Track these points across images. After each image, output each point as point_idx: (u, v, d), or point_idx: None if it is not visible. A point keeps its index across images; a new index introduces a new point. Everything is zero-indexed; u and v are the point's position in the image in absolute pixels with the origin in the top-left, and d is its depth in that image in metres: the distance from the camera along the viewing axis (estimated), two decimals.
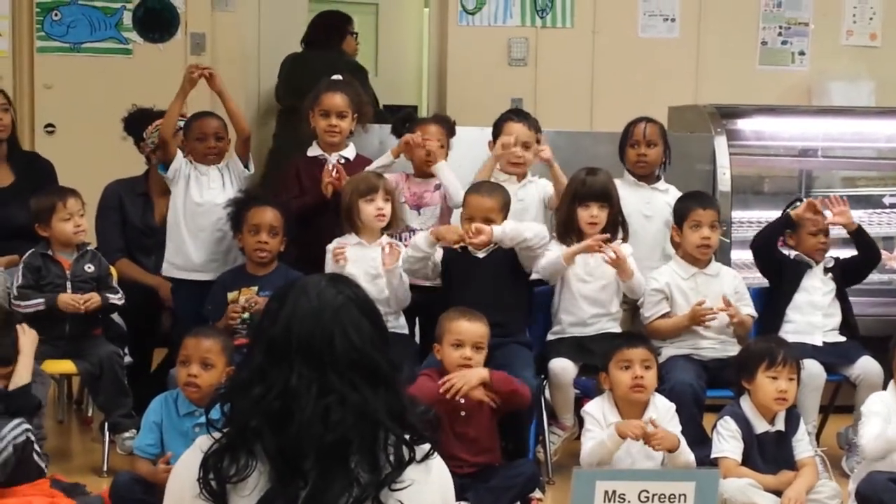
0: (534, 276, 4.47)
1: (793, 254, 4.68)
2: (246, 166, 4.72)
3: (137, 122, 4.96)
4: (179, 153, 4.64)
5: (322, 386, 1.96)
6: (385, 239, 4.37)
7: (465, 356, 3.86)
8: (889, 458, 3.83)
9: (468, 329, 3.89)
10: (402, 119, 4.80)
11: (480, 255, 4.33)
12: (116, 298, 4.43)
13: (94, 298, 4.34)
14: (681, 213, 4.53)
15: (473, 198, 4.32)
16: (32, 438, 3.67)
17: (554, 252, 4.39)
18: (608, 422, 3.87)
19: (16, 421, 3.65)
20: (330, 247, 4.37)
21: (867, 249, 4.69)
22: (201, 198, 4.60)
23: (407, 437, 2.01)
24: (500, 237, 4.22)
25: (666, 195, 4.76)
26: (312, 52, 6.64)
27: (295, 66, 6.59)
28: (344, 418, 1.95)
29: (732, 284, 4.54)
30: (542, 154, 4.59)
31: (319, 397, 1.95)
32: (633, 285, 4.42)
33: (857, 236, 4.67)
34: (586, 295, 4.45)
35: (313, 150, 4.72)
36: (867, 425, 3.85)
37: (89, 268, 4.45)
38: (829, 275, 4.66)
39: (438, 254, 4.36)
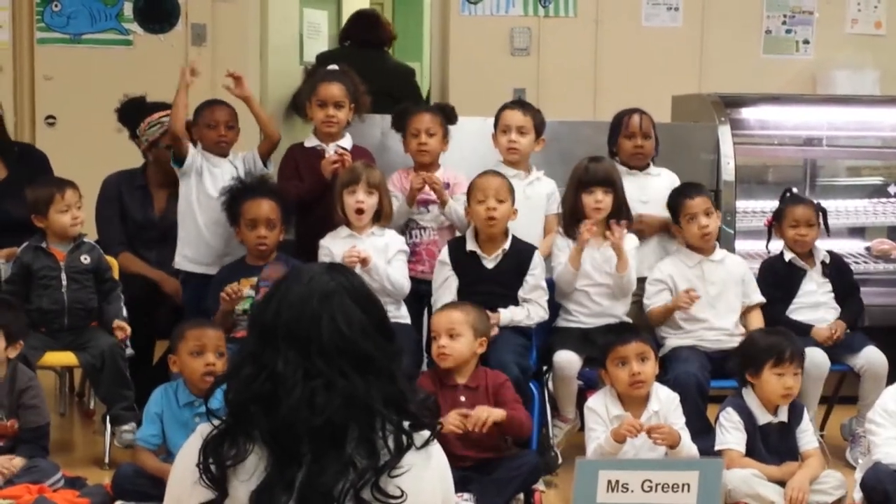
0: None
1: (788, 256, 4.64)
2: (265, 164, 4.68)
3: (130, 114, 4.94)
4: (192, 148, 4.58)
5: (308, 370, 1.97)
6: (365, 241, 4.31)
7: (439, 345, 3.84)
8: None
9: (437, 320, 3.90)
10: (400, 113, 4.77)
11: (489, 265, 4.31)
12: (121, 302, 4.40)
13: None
14: (674, 209, 4.53)
15: (483, 179, 4.31)
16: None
17: (560, 262, 4.39)
18: (612, 415, 3.86)
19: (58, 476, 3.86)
20: (322, 242, 4.35)
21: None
22: (216, 191, 4.53)
23: (406, 423, 2.00)
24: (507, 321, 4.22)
25: (659, 178, 4.76)
26: (355, 49, 6.61)
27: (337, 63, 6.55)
28: (330, 403, 1.95)
29: (739, 271, 4.52)
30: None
31: (305, 381, 1.95)
32: (623, 282, 4.38)
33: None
34: (598, 283, 4.42)
35: (310, 141, 4.68)
36: (880, 437, 3.79)
37: (85, 259, 4.42)
38: (826, 279, 4.63)
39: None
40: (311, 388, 1.95)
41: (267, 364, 1.97)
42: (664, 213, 4.64)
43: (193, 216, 4.59)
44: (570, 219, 4.47)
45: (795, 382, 3.93)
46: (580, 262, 4.37)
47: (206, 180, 4.58)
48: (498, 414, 3.74)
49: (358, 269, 4.08)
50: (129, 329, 4.32)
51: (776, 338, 4.04)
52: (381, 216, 4.38)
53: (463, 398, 3.84)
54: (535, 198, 4.57)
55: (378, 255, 4.28)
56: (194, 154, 4.58)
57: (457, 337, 3.85)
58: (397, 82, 6.48)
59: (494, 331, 4.12)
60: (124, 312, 4.40)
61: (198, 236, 4.60)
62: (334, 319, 1.99)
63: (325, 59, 6.51)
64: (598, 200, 4.41)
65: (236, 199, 4.41)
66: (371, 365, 2.00)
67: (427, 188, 4.49)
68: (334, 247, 4.32)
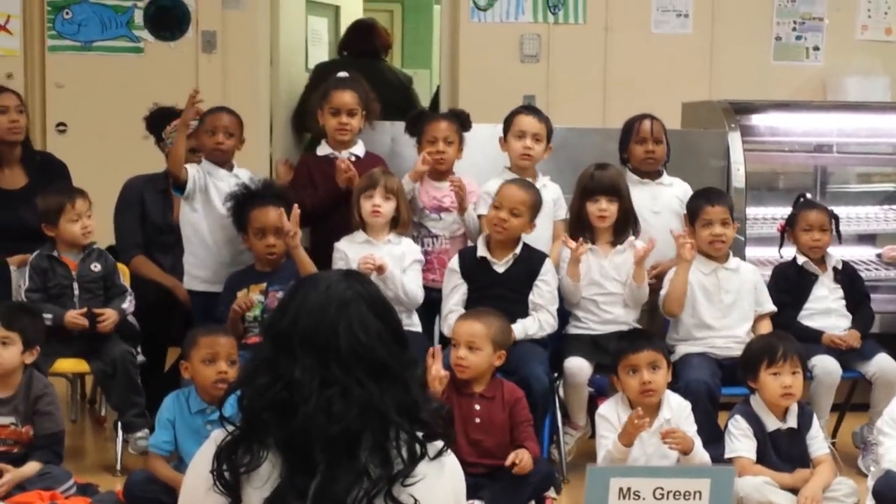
0: None
1: (800, 261, 4.64)
2: None
3: (158, 121, 4.95)
4: (191, 173, 4.52)
5: (325, 378, 1.97)
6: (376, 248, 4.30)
7: (458, 356, 3.83)
8: None
9: (458, 329, 3.89)
10: (414, 118, 4.77)
11: (499, 269, 4.30)
12: (128, 303, 4.42)
13: (110, 318, 4.29)
14: (692, 212, 4.52)
15: (508, 188, 4.30)
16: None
17: (562, 274, 4.39)
18: (623, 422, 3.84)
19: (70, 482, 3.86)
20: (338, 245, 4.34)
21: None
22: (223, 207, 4.49)
23: (419, 433, 2.00)
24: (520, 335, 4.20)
25: (672, 188, 4.75)
26: (351, 59, 6.62)
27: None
28: (347, 410, 1.95)
29: (752, 280, 4.51)
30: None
31: (322, 389, 1.96)
32: (639, 293, 4.39)
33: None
34: (608, 292, 4.42)
35: (323, 149, 4.67)
36: (887, 447, 3.77)
37: (95, 267, 4.42)
38: (838, 284, 4.61)
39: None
40: (327, 396, 1.95)
41: (283, 372, 1.98)
42: (675, 224, 4.63)
43: (202, 237, 4.56)
44: (576, 226, 4.46)
45: (794, 381, 3.89)
46: (579, 273, 4.36)
47: (212, 196, 4.54)
48: (529, 463, 3.72)
49: (373, 277, 4.08)
50: (112, 316, 4.30)
51: (769, 339, 4.04)
52: (399, 223, 4.36)
53: (478, 407, 3.84)
54: (543, 204, 4.57)
55: (394, 263, 4.26)
56: (195, 175, 4.52)
57: (476, 350, 3.84)
58: (395, 91, 6.50)
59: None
60: (126, 307, 4.39)
61: (209, 256, 4.56)
62: (352, 327, 1.99)
63: (323, 69, 6.54)
64: (603, 209, 4.40)
65: (242, 206, 4.39)
66: (386, 373, 2.00)
67: (439, 195, 4.49)
68: (350, 251, 4.31)
